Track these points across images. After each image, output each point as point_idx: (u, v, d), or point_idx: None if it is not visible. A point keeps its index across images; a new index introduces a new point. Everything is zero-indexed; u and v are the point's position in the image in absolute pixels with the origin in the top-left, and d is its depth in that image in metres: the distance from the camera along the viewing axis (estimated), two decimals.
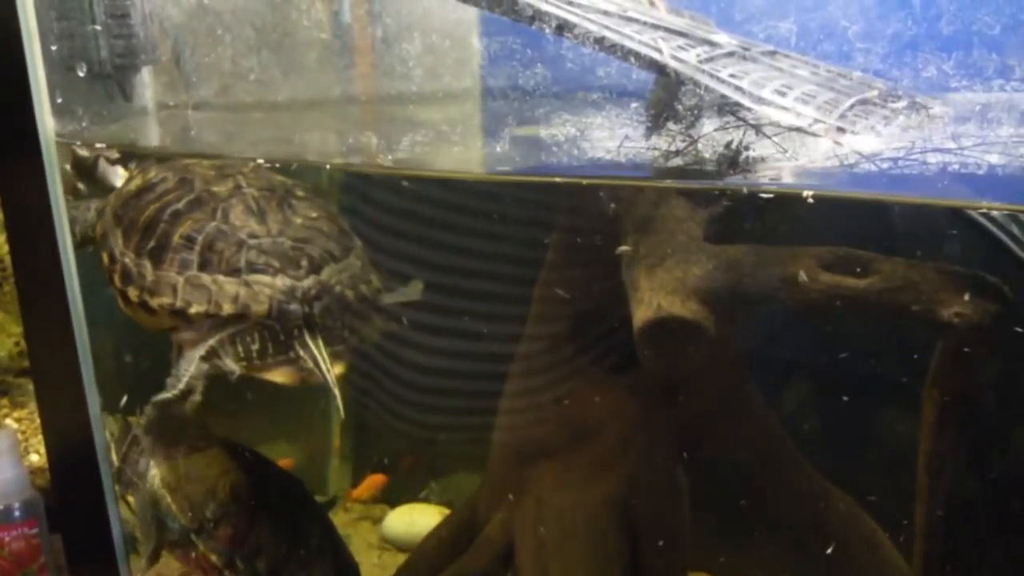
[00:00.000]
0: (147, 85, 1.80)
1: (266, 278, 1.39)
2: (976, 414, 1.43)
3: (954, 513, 1.48)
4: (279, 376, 1.41)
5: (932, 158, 1.15)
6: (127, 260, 1.45)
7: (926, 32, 1.35)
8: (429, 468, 2.42)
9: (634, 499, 1.66)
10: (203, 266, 1.41)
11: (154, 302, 1.40)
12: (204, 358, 1.40)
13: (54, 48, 1.48)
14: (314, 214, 1.51)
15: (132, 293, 1.43)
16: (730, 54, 1.52)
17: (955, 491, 1.47)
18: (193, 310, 1.37)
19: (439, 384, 2.15)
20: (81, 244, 1.62)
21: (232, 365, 1.40)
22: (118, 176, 1.69)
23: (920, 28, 1.35)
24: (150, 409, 1.42)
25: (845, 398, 1.63)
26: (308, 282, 1.40)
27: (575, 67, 1.44)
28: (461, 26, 1.91)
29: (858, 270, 1.33)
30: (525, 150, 1.48)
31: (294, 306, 1.38)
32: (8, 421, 2.37)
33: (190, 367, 1.40)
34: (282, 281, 1.39)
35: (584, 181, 1.43)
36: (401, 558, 2.15)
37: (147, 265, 1.43)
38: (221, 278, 1.40)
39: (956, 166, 1.14)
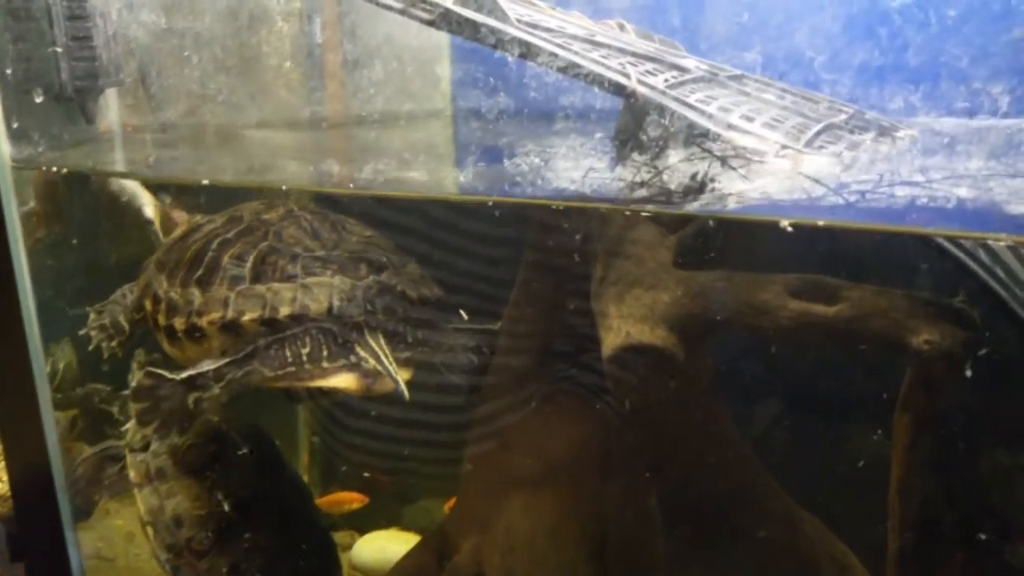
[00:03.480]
0: (111, 107, 1.77)
1: (324, 279, 1.34)
2: (946, 439, 1.42)
3: (925, 536, 1.47)
4: (341, 382, 1.37)
5: (900, 191, 1.15)
6: (173, 294, 1.41)
7: (893, 63, 1.35)
8: (399, 494, 2.39)
9: (605, 528, 1.64)
10: (256, 279, 1.36)
11: (203, 321, 1.35)
12: (237, 362, 1.34)
13: (9, 72, 1.45)
14: (368, 233, 1.49)
15: (179, 323, 1.38)
16: (698, 79, 1.51)
17: (926, 515, 1.47)
18: (246, 318, 1.32)
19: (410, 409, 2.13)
20: (129, 335, 1.61)
21: (265, 372, 1.34)
22: (128, 186, 1.68)
23: (887, 58, 1.35)
24: (142, 377, 1.36)
25: (815, 422, 1.62)
26: (368, 281, 1.36)
27: (539, 96, 1.42)
28: (430, 52, 1.91)
29: (827, 297, 1.33)
30: (489, 180, 1.46)
31: (354, 304, 1.32)
32: None
33: (212, 364, 1.34)
34: (341, 281, 1.34)
35: (552, 204, 1.41)
36: None
37: (195, 292, 1.38)
38: (276, 285, 1.35)
39: (924, 199, 1.14)
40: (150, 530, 1.73)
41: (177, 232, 1.59)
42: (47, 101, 1.51)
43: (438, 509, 2.27)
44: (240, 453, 1.80)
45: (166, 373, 1.36)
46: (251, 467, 1.81)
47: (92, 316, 1.69)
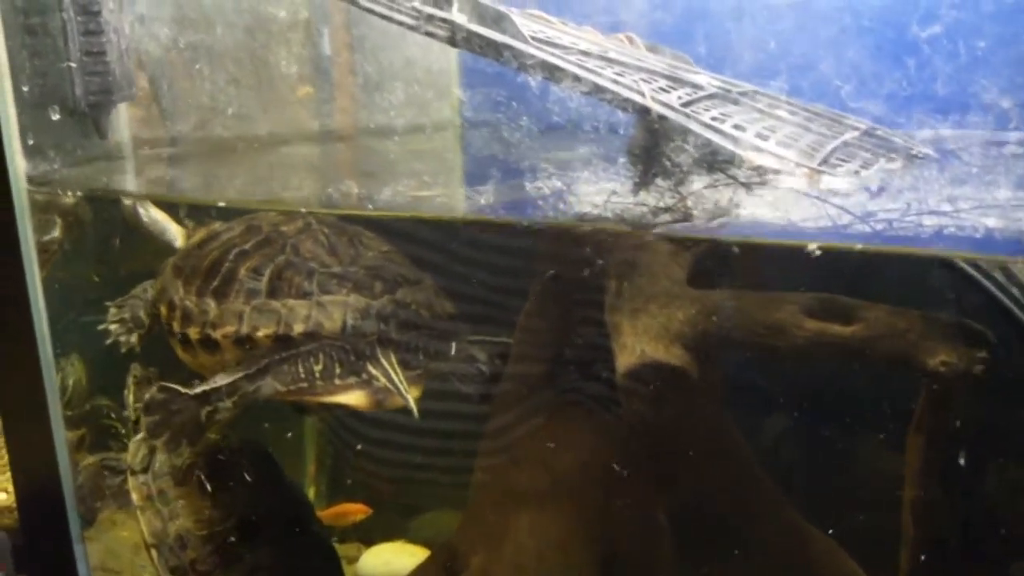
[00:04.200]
0: (123, 122, 1.77)
1: (339, 297, 1.35)
2: (961, 460, 1.42)
3: (939, 558, 1.47)
4: (352, 399, 1.38)
5: (928, 220, 1.15)
6: (188, 303, 1.42)
7: (922, 93, 1.34)
8: (406, 506, 2.38)
9: (616, 547, 1.64)
10: (271, 294, 1.37)
11: (217, 333, 1.36)
12: (250, 377, 1.34)
13: (26, 89, 1.46)
14: (384, 248, 1.49)
15: (193, 332, 1.39)
16: (711, 95, 1.51)
17: (940, 536, 1.46)
18: (261, 333, 1.33)
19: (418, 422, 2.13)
20: (148, 330, 1.61)
21: (278, 387, 1.34)
22: (160, 219, 1.69)
23: (916, 88, 1.35)
24: (155, 391, 1.37)
25: (828, 441, 1.61)
26: (383, 300, 1.37)
27: (559, 119, 1.42)
28: (442, 75, 1.91)
29: (843, 317, 1.32)
30: (510, 202, 1.46)
31: (368, 323, 1.33)
32: None
33: (225, 378, 1.35)
34: (356, 299, 1.35)
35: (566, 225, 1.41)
36: None
37: (210, 303, 1.39)
38: (291, 301, 1.36)
39: (952, 228, 1.14)
40: (154, 552, 1.73)
41: (195, 238, 1.61)
42: (62, 117, 1.51)
43: (445, 521, 2.26)
44: (241, 471, 1.80)
45: (179, 388, 1.36)
46: (252, 485, 1.81)
47: (112, 311, 1.71)
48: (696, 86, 1.50)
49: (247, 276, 1.40)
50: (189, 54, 1.87)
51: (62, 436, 1.63)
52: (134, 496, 1.77)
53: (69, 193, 1.61)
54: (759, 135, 1.38)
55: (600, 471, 1.61)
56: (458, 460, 2.09)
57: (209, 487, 1.76)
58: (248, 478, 1.81)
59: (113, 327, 1.69)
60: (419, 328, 1.42)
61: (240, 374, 1.35)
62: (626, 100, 1.29)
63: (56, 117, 1.50)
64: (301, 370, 1.36)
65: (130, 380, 1.74)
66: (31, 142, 1.42)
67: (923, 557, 1.47)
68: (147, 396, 1.42)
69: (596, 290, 1.46)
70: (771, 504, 1.70)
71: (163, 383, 1.39)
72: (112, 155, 1.78)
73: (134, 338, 1.69)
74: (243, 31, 1.95)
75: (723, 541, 1.69)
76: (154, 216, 1.71)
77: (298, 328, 1.33)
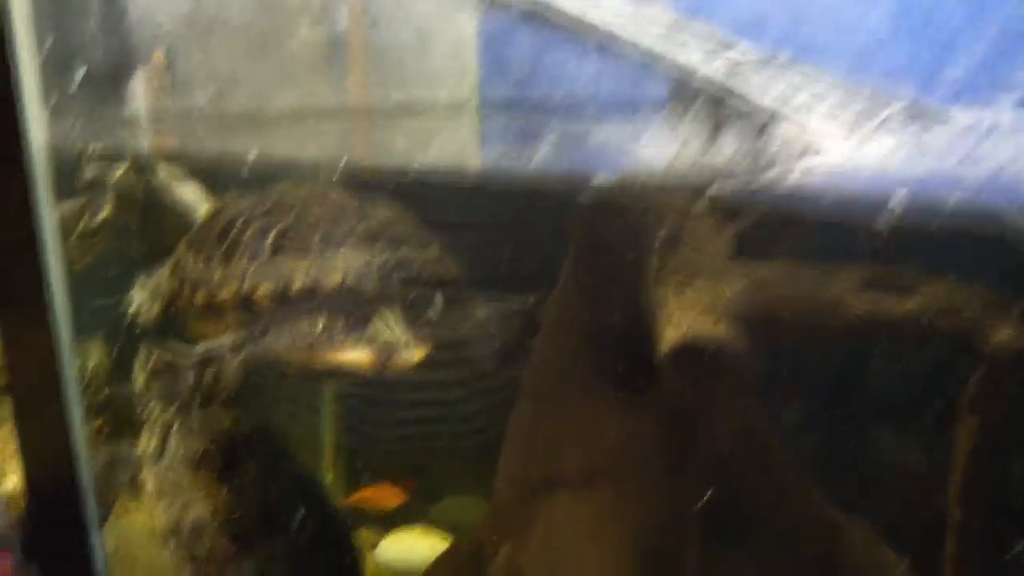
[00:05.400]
0: (140, 89, 1.73)
1: (341, 252, 1.34)
2: (1015, 443, 1.38)
3: (988, 547, 1.42)
4: (355, 357, 1.36)
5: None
6: (196, 272, 1.43)
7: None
8: (427, 491, 2.33)
9: (653, 537, 1.58)
10: (275, 253, 1.37)
11: (220, 296, 1.36)
12: (252, 336, 1.35)
13: (46, 49, 1.41)
14: (393, 214, 1.48)
15: (199, 297, 1.39)
16: (755, 63, 1.47)
17: (990, 524, 1.42)
18: (260, 292, 1.33)
19: (438, 402, 2.09)
20: (169, 302, 1.60)
21: (280, 346, 1.34)
22: (190, 196, 1.67)
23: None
24: (159, 355, 1.37)
25: (867, 422, 1.57)
26: (384, 258, 1.35)
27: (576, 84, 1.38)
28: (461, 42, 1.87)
29: (898, 292, 1.28)
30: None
31: (369, 280, 1.32)
32: None
33: (227, 339, 1.35)
34: (357, 257, 1.34)
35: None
36: None
37: (216, 267, 1.40)
38: (292, 260, 1.35)
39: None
40: (172, 542, 1.72)
41: (210, 211, 1.61)
42: (82, 81, 1.47)
43: (468, 507, 2.21)
44: (256, 459, 1.79)
45: (181, 350, 1.36)
46: (267, 472, 1.79)
47: (140, 279, 1.71)
48: (739, 53, 1.47)
49: (251, 239, 1.40)
50: (205, 25, 1.83)
51: (79, 421, 1.59)
52: (149, 485, 1.75)
53: (91, 151, 1.56)
54: (805, 104, 1.35)
55: (637, 455, 1.56)
56: (482, 440, 2.05)
57: (224, 475, 1.73)
58: (263, 466, 1.78)
59: (138, 296, 1.68)
60: (423, 288, 1.38)
61: (241, 334, 1.35)
62: (678, 65, 1.25)
63: (78, 77, 1.45)
64: (304, 328, 1.35)
65: (140, 362, 1.72)
66: (52, 102, 1.37)
67: (969, 541, 1.43)
68: (151, 362, 1.40)
69: (636, 263, 1.42)
70: (803, 491, 1.66)
71: (166, 347, 1.36)
72: (129, 123, 1.74)
73: (156, 308, 1.67)
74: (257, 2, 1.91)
75: (759, 526, 1.65)
76: (185, 193, 1.70)
77: (297, 284, 1.32)
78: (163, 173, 1.76)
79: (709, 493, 1.56)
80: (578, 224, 1.48)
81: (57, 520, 1.64)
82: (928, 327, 1.26)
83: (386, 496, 2.24)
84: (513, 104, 1.53)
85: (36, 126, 1.34)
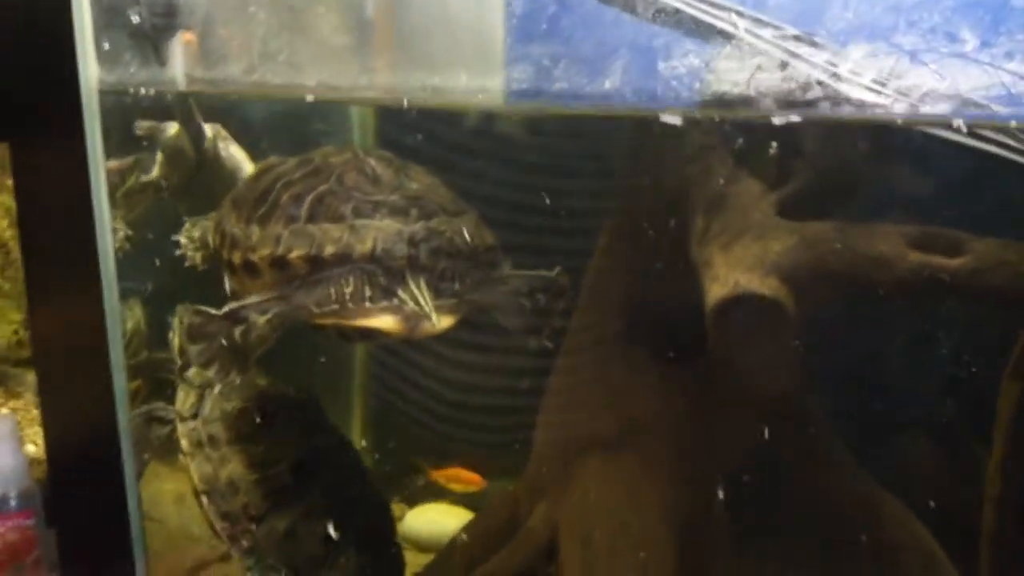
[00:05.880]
0: (178, 54, 1.73)
1: (373, 222, 1.36)
2: None
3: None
4: (382, 323, 1.37)
5: None
6: (236, 230, 1.46)
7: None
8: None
9: (687, 498, 1.58)
10: (310, 219, 1.39)
11: (256, 256, 1.39)
12: (283, 296, 1.37)
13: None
14: (429, 180, 1.49)
15: (236, 257, 1.42)
16: (796, 37, 1.47)
17: None
18: (293, 255, 1.35)
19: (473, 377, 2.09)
20: (211, 254, 1.63)
21: (309, 307, 1.36)
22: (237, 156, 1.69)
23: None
24: (191, 315, 1.39)
25: (902, 390, 1.56)
26: (416, 227, 1.37)
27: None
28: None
29: (949, 249, 1.27)
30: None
31: (399, 247, 1.33)
32: (3, 411, 2.28)
33: (257, 297, 1.37)
34: (389, 224, 1.36)
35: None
36: (421, 558, 2.07)
37: (255, 228, 1.43)
38: (327, 225, 1.38)
39: None
40: (205, 499, 1.72)
41: (253, 171, 1.62)
42: (131, 31, 1.47)
43: (493, 486, 2.20)
44: (291, 415, 1.80)
45: (210, 309, 1.38)
46: (302, 429, 1.80)
47: (187, 226, 1.73)
48: (778, 27, 1.47)
49: (288, 203, 1.42)
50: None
51: (124, 386, 1.61)
52: (184, 443, 1.76)
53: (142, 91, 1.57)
54: (853, 72, 1.35)
55: (673, 419, 1.56)
56: (511, 418, 2.04)
57: (259, 433, 1.74)
58: (299, 422, 1.80)
59: (184, 240, 1.71)
60: (454, 257, 1.40)
61: (272, 294, 1.38)
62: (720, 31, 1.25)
63: (134, 20, 1.46)
64: (332, 292, 1.37)
65: (176, 322, 1.73)
66: (106, 47, 1.38)
67: (1011, 518, 1.42)
68: (186, 323, 1.41)
69: (679, 225, 1.42)
70: (838, 464, 1.65)
71: (197, 308, 1.39)
72: (167, 86, 1.75)
73: (199, 257, 1.70)
74: None
75: (788, 500, 1.64)
76: (232, 152, 1.72)
77: (329, 250, 1.34)
78: (210, 132, 1.77)
79: (745, 456, 1.56)
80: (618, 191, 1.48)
81: (77, 486, 1.64)
82: (979, 285, 1.25)
83: (466, 479, 2.26)
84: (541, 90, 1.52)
85: (91, 75, 1.35)
